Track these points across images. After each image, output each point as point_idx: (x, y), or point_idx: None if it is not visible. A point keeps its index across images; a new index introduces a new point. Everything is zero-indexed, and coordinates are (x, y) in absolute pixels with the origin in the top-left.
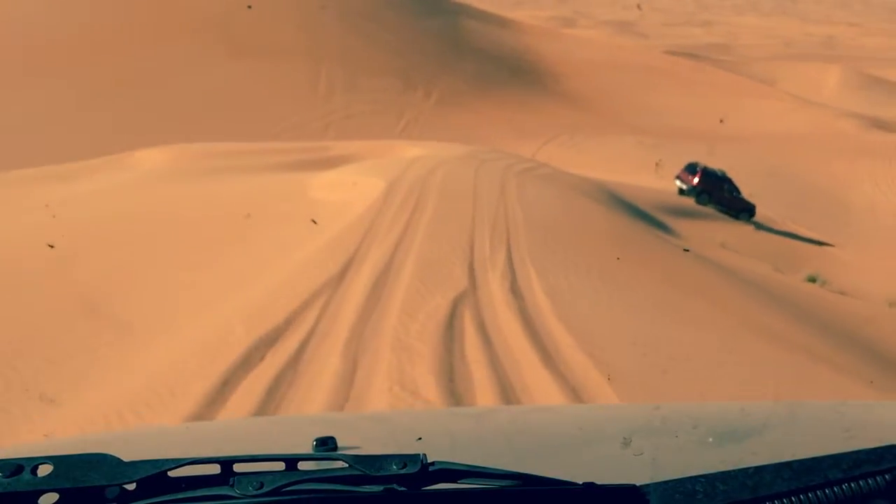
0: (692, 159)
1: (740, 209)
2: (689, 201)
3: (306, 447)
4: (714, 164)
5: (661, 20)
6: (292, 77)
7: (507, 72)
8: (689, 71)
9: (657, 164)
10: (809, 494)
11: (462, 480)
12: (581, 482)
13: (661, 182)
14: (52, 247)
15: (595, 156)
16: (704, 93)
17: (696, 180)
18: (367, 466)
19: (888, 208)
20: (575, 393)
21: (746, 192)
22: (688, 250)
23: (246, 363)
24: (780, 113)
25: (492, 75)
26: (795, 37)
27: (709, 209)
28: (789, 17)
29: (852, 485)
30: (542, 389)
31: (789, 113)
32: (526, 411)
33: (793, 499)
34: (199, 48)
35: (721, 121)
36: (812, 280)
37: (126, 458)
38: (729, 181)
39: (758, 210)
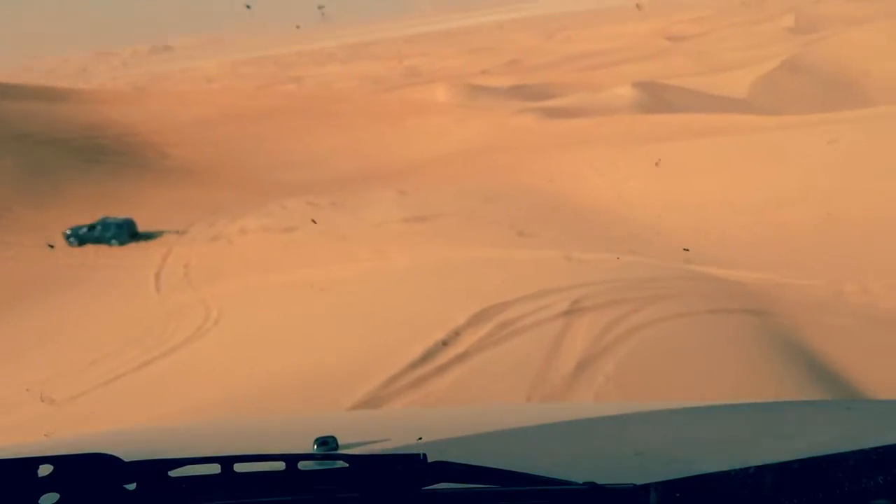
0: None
1: None
2: None
3: (307, 446)
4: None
5: (253, 84)
6: None
7: (81, 158)
8: (327, 103)
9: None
10: (811, 494)
11: (462, 480)
12: (582, 481)
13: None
14: None
15: (257, 245)
16: (357, 125)
17: None
18: (368, 466)
19: (629, 192)
20: None
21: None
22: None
23: None
24: (449, 126)
25: (55, 168)
26: (381, 73)
27: None
28: (367, 59)
29: (854, 484)
30: None
31: (459, 124)
32: (526, 410)
33: (794, 499)
34: None
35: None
36: None
37: (127, 458)
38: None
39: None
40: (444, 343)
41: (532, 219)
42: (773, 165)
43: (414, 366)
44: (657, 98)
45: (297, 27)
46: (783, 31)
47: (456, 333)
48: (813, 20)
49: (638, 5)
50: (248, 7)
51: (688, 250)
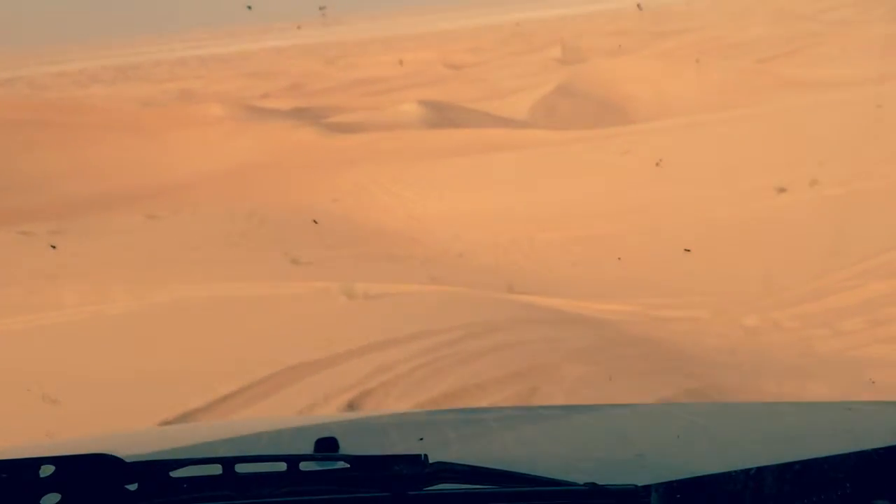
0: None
1: None
2: None
3: (308, 448)
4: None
5: None
6: None
7: None
8: (65, 114)
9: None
10: (812, 495)
11: (463, 480)
12: (582, 482)
13: None
14: None
15: None
16: (103, 140)
17: None
18: (369, 467)
19: (422, 211)
20: None
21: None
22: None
23: None
24: (219, 141)
25: None
26: (153, 94)
27: None
28: (134, 81)
29: (855, 485)
30: None
31: (230, 138)
32: (527, 412)
33: (795, 500)
34: None
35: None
36: None
37: (128, 459)
38: None
39: None
40: None
41: (311, 244)
42: (573, 177)
43: None
44: (443, 116)
45: (298, 27)
46: (552, 62)
47: None
48: (577, 52)
49: (639, 5)
50: (249, 8)
51: (689, 250)
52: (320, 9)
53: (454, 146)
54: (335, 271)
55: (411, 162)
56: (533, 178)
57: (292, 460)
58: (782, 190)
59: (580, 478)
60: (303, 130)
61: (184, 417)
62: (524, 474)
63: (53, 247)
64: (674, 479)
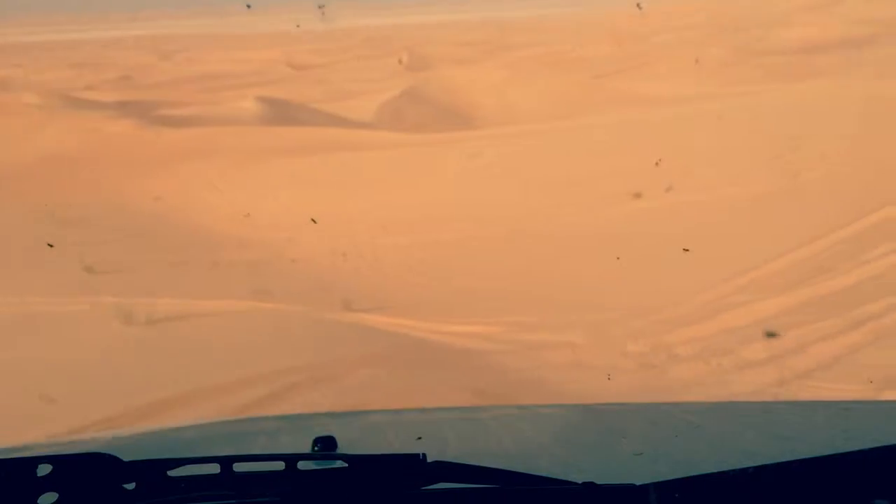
0: None
1: None
2: None
3: (306, 447)
4: None
5: None
6: None
7: None
8: None
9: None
10: (811, 494)
11: (461, 480)
12: (580, 481)
13: None
14: None
15: None
16: None
17: None
18: (367, 466)
19: (254, 212)
20: None
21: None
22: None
23: None
24: (29, 130)
25: None
26: None
27: None
28: None
29: (854, 485)
30: None
31: (42, 127)
32: (525, 410)
33: (794, 499)
34: None
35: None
36: None
37: (126, 458)
38: None
39: None
40: None
41: (117, 249)
42: (419, 180)
43: None
44: (283, 114)
45: (298, 26)
46: (398, 67)
47: None
48: (423, 59)
49: (638, 5)
50: (248, 6)
51: (687, 250)
52: (320, 7)
53: (293, 145)
54: (135, 283)
55: (245, 160)
56: (377, 181)
57: (290, 459)
58: (638, 195)
59: (578, 477)
60: (123, 122)
61: None
62: (522, 473)
63: (51, 245)
64: (672, 478)
